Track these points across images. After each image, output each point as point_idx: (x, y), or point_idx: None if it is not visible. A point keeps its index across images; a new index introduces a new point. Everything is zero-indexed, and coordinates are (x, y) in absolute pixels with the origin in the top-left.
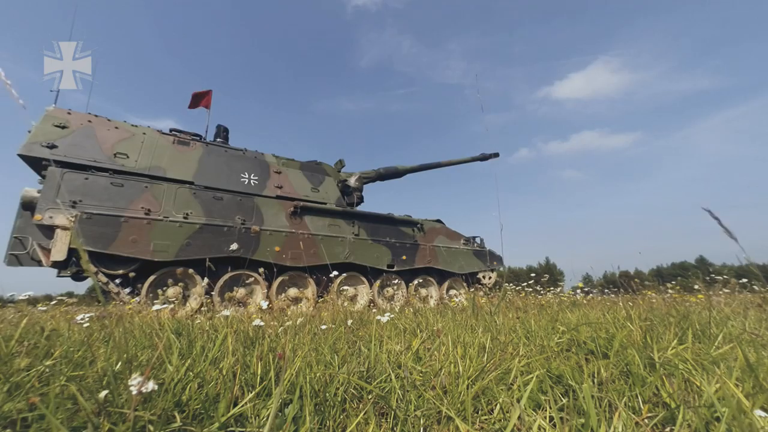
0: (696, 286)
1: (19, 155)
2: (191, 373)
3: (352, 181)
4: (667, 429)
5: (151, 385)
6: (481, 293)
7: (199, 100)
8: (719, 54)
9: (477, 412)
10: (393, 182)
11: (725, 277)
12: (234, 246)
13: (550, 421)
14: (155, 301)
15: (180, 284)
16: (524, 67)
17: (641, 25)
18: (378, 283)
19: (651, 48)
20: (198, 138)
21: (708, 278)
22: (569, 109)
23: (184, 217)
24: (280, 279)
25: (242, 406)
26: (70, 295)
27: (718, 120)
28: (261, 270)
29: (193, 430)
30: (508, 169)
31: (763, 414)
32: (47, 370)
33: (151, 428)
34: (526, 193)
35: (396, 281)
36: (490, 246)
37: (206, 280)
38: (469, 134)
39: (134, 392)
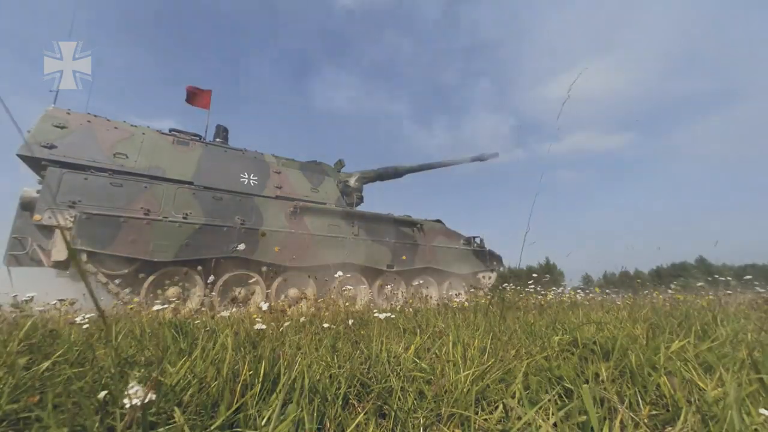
0: (699, 284)
1: (19, 155)
2: (192, 374)
3: (352, 181)
4: (668, 429)
5: (149, 396)
6: (481, 293)
7: (197, 95)
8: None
9: (478, 413)
10: (393, 182)
11: (729, 279)
12: (241, 246)
13: (551, 422)
14: (156, 301)
15: (180, 284)
16: (520, 66)
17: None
18: (378, 283)
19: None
20: (197, 138)
21: (710, 278)
22: (563, 109)
23: (184, 218)
24: (279, 279)
25: (243, 405)
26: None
27: (716, 120)
28: (264, 269)
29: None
30: (506, 170)
31: (766, 413)
32: (47, 370)
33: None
34: (524, 193)
35: (395, 281)
36: (493, 247)
37: (210, 278)
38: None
39: (128, 405)
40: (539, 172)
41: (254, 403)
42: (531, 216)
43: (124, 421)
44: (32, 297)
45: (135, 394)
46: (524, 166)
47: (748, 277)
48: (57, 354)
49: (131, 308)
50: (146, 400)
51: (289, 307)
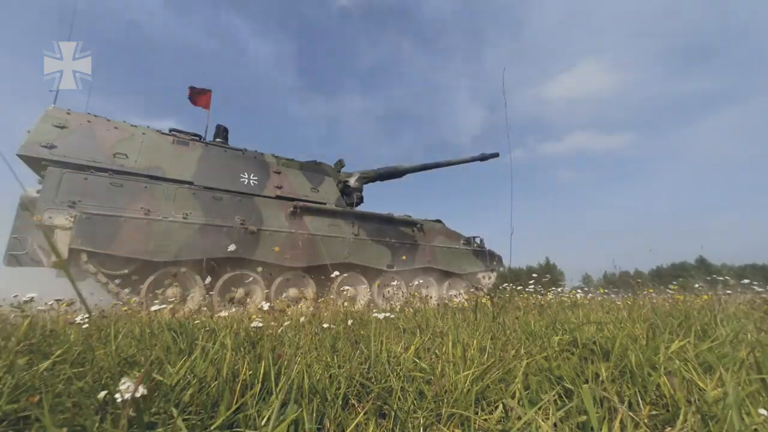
0: (697, 286)
1: (19, 155)
2: (192, 374)
3: (352, 181)
4: (668, 429)
5: (141, 390)
6: (481, 293)
7: (198, 95)
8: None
9: (477, 413)
10: (393, 182)
11: (727, 278)
12: (232, 247)
13: (551, 422)
14: (155, 301)
15: (180, 284)
16: (516, 66)
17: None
18: (378, 283)
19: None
20: (197, 138)
21: (708, 278)
22: (561, 109)
23: (184, 218)
24: (279, 279)
25: (243, 405)
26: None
27: (716, 120)
28: (259, 269)
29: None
30: (504, 170)
31: (766, 413)
32: (47, 370)
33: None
34: (522, 194)
35: (395, 281)
36: (492, 247)
37: (208, 279)
38: (468, 133)
39: (120, 400)
40: (539, 172)
41: (254, 403)
42: (512, 218)
43: (122, 422)
44: (32, 297)
45: (126, 390)
46: (525, 165)
47: (746, 281)
48: (57, 354)
49: (125, 309)
50: (137, 395)
51: (289, 307)
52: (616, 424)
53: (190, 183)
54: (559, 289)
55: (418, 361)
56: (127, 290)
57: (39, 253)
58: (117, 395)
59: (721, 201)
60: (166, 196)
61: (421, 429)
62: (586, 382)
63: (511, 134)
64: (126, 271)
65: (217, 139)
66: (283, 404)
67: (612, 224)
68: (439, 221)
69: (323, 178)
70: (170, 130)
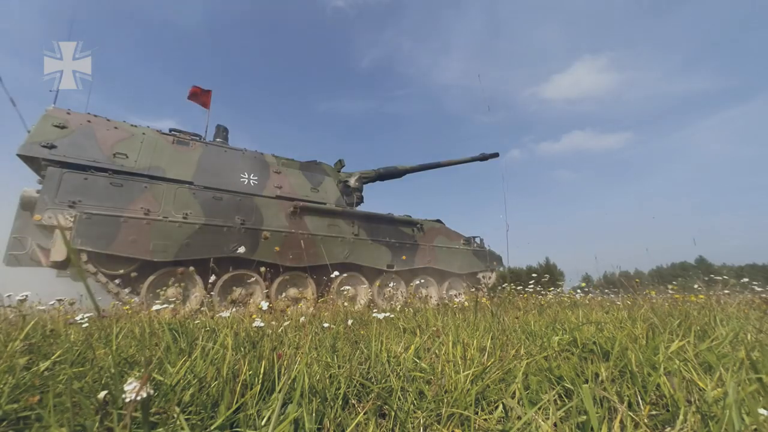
0: (696, 286)
1: (19, 155)
2: (192, 374)
3: (352, 181)
4: (668, 429)
5: (146, 392)
6: (481, 293)
7: (199, 96)
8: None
9: (477, 413)
10: (393, 182)
11: (725, 277)
12: (242, 249)
13: (551, 422)
14: (156, 302)
15: (180, 284)
16: (514, 68)
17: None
18: (378, 283)
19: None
20: (197, 138)
21: (707, 278)
22: (558, 109)
23: (184, 217)
24: (279, 279)
25: (243, 405)
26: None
27: (715, 120)
28: (263, 269)
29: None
30: (503, 170)
31: (766, 413)
32: (47, 370)
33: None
34: (522, 193)
35: (395, 281)
36: (490, 246)
37: (212, 278)
38: (466, 134)
39: (127, 400)
40: (539, 172)
41: (254, 402)
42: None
43: (123, 421)
44: (26, 296)
45: (132, 390)
46: (524, 165)
47: (745, 280)
48: (57, 354)
49: (127, 309)
50: (142, 396)
51: (288, 307)
52: (616, 423)
53: (190, 183)
54: (559, 289)
55: (418, 361)
56: (127, 290)
57: (38, 252)
58: (124, 395)
59: (721, 201)
60: (166, 196)
61: (421, 429)
62: (586, 382)
63: (511, 135)
64: (126, 271)
65: (217, 139)
66: (284, 404)
67: (612, 224)
68: (439, 221)
69: (323, 178)
70: (170, 130)
